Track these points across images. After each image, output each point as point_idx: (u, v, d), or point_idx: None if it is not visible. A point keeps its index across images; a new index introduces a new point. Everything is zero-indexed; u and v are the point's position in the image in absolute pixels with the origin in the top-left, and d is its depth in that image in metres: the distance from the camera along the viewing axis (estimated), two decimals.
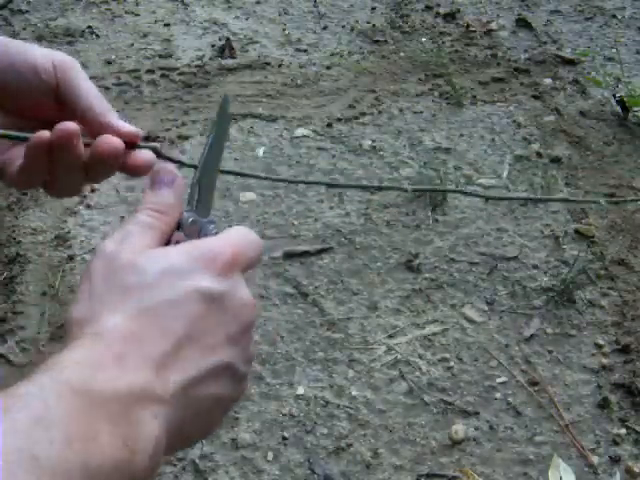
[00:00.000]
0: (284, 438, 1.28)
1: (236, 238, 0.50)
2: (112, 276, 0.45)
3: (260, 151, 1.94)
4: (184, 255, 0.47)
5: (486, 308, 1.51)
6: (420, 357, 1.42)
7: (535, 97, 2.16)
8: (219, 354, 0.46)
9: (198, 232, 0.51)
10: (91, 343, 0.42)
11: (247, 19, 2.56)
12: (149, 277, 0.45)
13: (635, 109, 2.05)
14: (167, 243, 0.50)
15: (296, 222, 1.71)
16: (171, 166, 0.54)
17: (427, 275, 1.58)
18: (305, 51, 2.38)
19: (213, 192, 0.55)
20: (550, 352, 1.43)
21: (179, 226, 0.51)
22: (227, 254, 0.47)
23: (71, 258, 1.62)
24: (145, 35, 2.44)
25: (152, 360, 0.42)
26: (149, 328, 0.43)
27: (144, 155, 0.59)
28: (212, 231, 0.52)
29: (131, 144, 0.58)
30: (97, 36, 2.43)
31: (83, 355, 0.41)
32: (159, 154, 0.60)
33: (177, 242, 0.50)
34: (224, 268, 0.47)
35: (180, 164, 0.63)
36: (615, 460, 1.25)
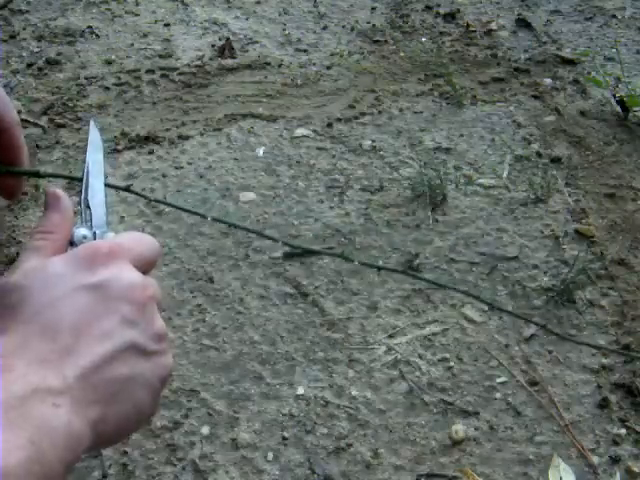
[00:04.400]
0: (284, 438, 1.28)
1: (120, 236, 0.53)
2: (1, 302, 0.47)
3: (260, 151, 1.94)
4: (62, 261, 0.49)
5: (486, 308, 1.51)
6: (420, 357, 1.42)
7: (535, 97, 2.16)
8: (116, 337, 0.47)
9: None
10: None
11: (247, 19, 2.56)
12: (29, 291, 0.47)
13: (635, 109, 2.05)
14: None
15: (296, 222, 1.71)
16: (56, 188, 0.56)
17: (427, 275, 1.58)
18: (305, 51, 2.38)
19: (105, 205, 0.58)
20: (550, 352, 1.43)
21: (73, 243, 0.54)
22: (104, 248, 0.49)
23: None
24: (145, 35, 2.44)
25: (39, 360, 0.44)
26: (33, 334, 0.45)
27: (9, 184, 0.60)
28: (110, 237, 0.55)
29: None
30: (97, 36, 2.43)
31: None
32: (40, 176, 0.62)
33: None
34: (102, 260, 0.49)
35: (66, 178, 0.66)
36: (615, 460, 1.25)
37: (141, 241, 0.53)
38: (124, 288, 0.48)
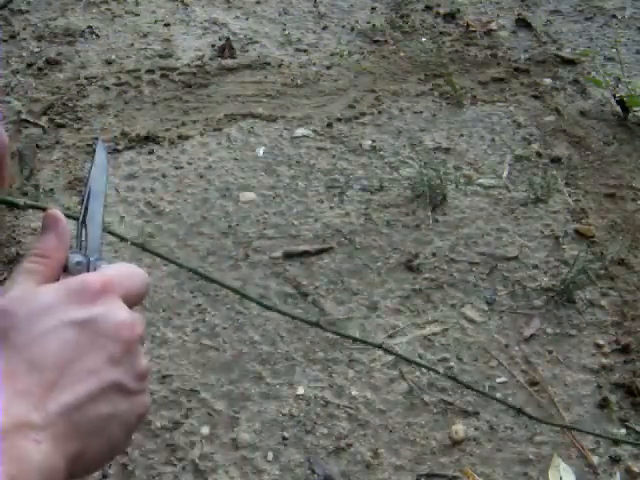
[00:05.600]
0: (284, 438, 1.28)
1: (111, 270, 0.52)
2: None
3: (260, 151, 1.94)
4: (53, 292, 0.48)
5: (486, 308, 1.51)
6: (420, 357, 1.42)
7: (535, 97, 2.16)
8: (101, 375, 0.47)
9: (86, 271, 0.53)
10: None
11: (247, 19, 2.56)
12: (18, 319, 0.47)
13: (635, 109, 2.05)
14: None
15: (296, 222, 1.71)
16: (55, 209, 0.56)
17: (427, 275, 1.58)
18: (305, 51, 2.38)
19: (101, 231, 0.57)
20: (550, 352, 1.43)
21: (67, 268, 0.53)
22: (96, 283, 0.49)
23: None
24: (145, 35, 2.44)
25: (24, 393, 0.44)
26: (19, 365, 0.45)
27: None
28: (102, 269, 0.54)
29: None
30: (97, 36, 2.43)
31: None
32: (17, 206, 0.62)
33: None
34: (93, 296, 0.48)
35: (39, 209, 0.64)
36: (615, 460, 1.25)
37: (132, 276, 0.53)
38: (113, 326, 0.48)
